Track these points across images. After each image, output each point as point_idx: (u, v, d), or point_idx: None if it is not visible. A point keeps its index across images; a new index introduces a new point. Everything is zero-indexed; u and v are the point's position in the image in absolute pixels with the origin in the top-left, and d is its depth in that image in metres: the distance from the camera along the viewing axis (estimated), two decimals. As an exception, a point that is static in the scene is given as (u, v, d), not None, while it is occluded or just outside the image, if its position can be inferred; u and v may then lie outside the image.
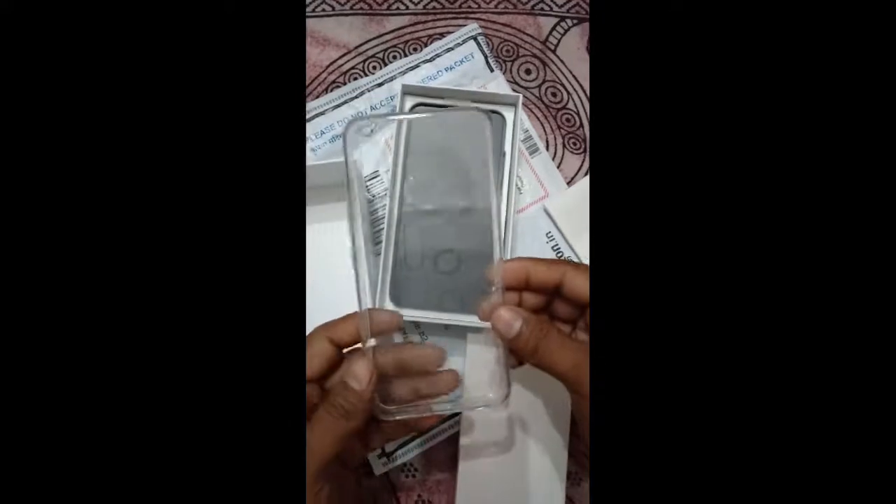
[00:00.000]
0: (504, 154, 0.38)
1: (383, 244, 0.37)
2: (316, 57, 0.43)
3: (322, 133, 0.41)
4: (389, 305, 0.37)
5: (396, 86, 0.41)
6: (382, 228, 0.39)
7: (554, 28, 0.44)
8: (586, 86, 0.43)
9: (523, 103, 0.40)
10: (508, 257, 0.36)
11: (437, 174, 0.38)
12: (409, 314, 0.37)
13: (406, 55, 0.43)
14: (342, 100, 0.42)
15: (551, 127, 0.42)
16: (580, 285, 0.26)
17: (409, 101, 0.38)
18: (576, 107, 0.43)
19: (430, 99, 0.38)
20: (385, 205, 0.39)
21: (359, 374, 0.24)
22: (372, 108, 0.41)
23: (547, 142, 0.42)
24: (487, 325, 0.36)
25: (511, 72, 0.43)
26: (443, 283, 0.37)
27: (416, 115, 0.38)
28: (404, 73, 0.42)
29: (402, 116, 0.38)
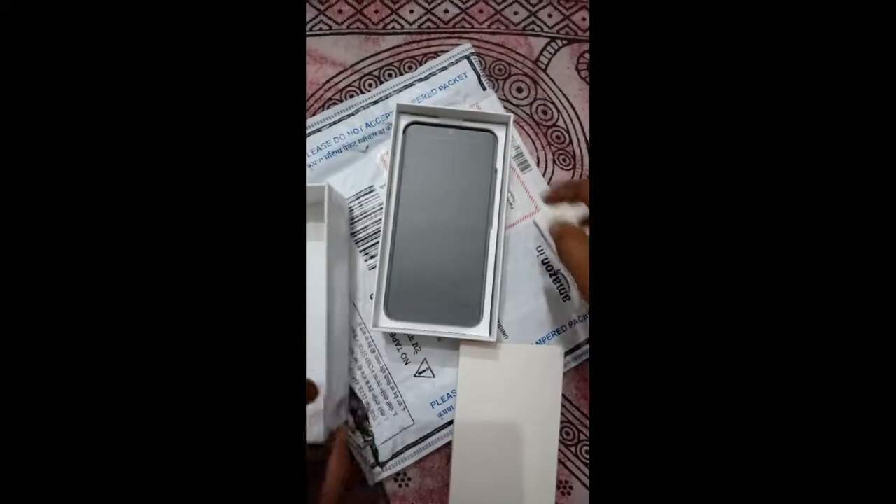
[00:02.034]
0: (496, 171, 0.39)
1: (378, 258, 0.38)
2: (313, 74, 0.44)
3: (318, 149, 0.42)
4: (385, 318, 0.38)
5: (392, 103, 0.43)
6: (377, 243, 0.40)
7: (545, 48, 0.45)
8: (576, 104, 0.45)
9: (514, 121, 0.42)
10: (500, 271, 0.37)
11: (432, 190, 0.39)
12: (404, 327, 0.38)
13: (401, 73, 0.44)
14: (338, 117, 0.43)
15: (542, 143, 0.44)
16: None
17: (404, 120, 0.39)
18: (566, 124, 0.44)
19: (424, 118, 0.39)
20: (380, 219, 0.40)
21: None
22: (367, 125, 0.42)
23: (538, 158, 0.43)
24: (478, 336, 0.37)
25: (503, 90, 0.44)
26: (436, 296, 0.38)
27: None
28: (399, 91, 0.43)
29: None
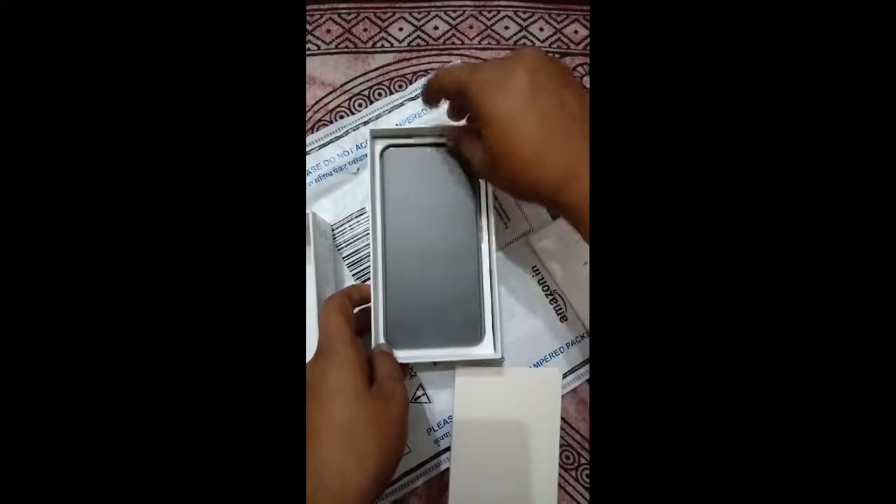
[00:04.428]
0: (480, 182, 0.38)
1: (371, 283, 0.37)
2: (302, 96, 0.44)
3: (308, 173, 0.41)
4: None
5: (382, 124, 0.42)
6: (368, 265, 0.39)
7: (537, 62, 0.44)
8: (570, 118, 0.44)
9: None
10: (496, 292, 0.37)
11: (419, 212, 0.38)
12: (409, 355, 0.36)
13: (391, 93, 0.44)
14: (328, 139, 0.42)
15: (536, 160, 0.43)
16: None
17: (380, 145, 0.38)
18: (560, 140, 0.43)
19: (400, 139, 0.38)
20: (370, 243, 0.39)
21: None
22: (357, 146, 0.42)
23: (532, 175, 0.43)
24: (484, 355, 0.36)
25: (495, 106, 0.44)
26: (436, 319, 0.37)
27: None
28: (389, 111, 0.42)
29: None
